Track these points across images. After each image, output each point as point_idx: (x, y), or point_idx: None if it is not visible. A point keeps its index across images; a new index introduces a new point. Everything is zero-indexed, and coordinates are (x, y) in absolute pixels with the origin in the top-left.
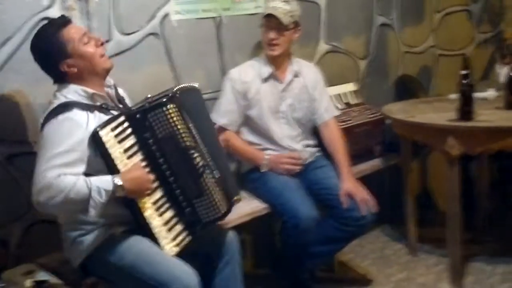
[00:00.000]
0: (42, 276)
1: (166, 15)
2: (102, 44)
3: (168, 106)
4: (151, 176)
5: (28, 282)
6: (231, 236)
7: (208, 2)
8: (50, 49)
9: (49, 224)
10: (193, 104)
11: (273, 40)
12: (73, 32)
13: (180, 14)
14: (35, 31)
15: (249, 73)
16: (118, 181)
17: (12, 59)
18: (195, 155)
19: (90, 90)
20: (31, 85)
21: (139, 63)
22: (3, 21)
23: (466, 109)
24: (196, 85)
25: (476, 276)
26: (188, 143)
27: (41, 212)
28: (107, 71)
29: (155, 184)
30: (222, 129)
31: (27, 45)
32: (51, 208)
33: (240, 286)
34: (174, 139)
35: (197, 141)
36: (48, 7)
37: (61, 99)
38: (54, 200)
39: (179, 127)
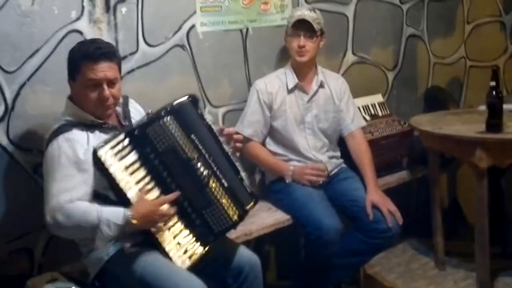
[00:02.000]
0: (65, 284)
1: (192, 27)
2: (106, 99)
3: (165, 119)
4: (166, 209)
5: None
6: (252, 261)
7: (235, 14)
8: (69, 61)
9: None
10: (192, 115)
11: (304, 46)
12: (92, 70)
13: (206, 26)
14: (63, 44)
15: (275, 84)
16: (130, 216)
17: (40, 71)
18: (198, 165)
19: (89, 117)
20: (58, 96)
21: (165, 75)
22: (32, 33)
23: (494, 121)
24: (186, 98)
25: None
26: (189, 154)
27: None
28: (101, 117)
29: (173, 216)
30: (247, 139)
31: (55, 57)
32: (61, 231)
33: None
34: (175, 151)
35: (200, 151)
36: (76, 19)
37: (62, 120)
38: (64, 224)
39: (178, 138)
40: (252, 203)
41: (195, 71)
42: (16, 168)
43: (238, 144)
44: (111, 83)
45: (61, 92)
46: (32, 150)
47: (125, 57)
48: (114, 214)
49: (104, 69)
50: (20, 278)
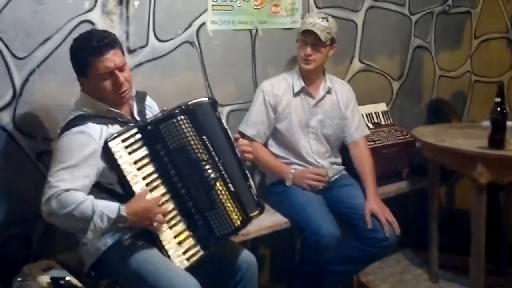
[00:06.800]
0: (60, 273)
1: (202, 25)
2: (121, 85)
3: (179, 118)
4: (163, 208)
5: (46, 278)
6: (249, 260)
7: (245, 14)
8: (76, 61)
9: None
10: (207, 118)
11: (310, 55)
12: (102, 62)
13: (217, 24)
14: (74, 33)
15: (281, 86)
16: (124, 212)
17: (50, 58)
18: (207, 167)
19: (105, 107)
20: (67, 85)
21: (172, 70)
22: (45, 21)
23: (497, 137)
24: (206, 99)
25: None
26: (199, 155)
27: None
28: (120, 104)
29: (170, 215)
30: (250, 140)
31: (66, 46)
32: (55, 220)
33: None
34: (185, 150)
35: (211, 153)
36: (89, 10)
37: (77, 111)
38: (58, 213)
39: (190, 138)
40: (257, 212)
41: (203, 68)
42: (19, 154)
43: (248, 155)
44: (121, 69)
45: (70, 81)
46: (37, 137)
47: (134, 50)
48: (108, 207)
49: (112, 58)
50: (16, 264)
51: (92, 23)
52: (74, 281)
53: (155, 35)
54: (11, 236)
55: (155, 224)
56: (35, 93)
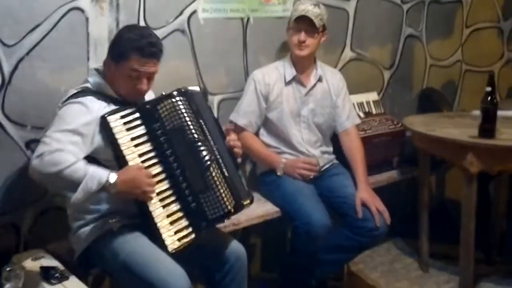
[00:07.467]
0: (50, 262)
1: (193, 13)
2: (140, 91)
3: (177, 98)
4: (151, 180)
5: (36, 267)
6: (238, 252)
7: (236, 2)
8: (118, 46)
9: (61, 211)
10: (202, 104)
11: (304, 41)
12: (138, 64)
13: (208, 12)
14: (63, 20)
15: (272, 75)
16: (113, 178)
17: (39, 46)
18: (203, 148)
19: (109, 91)
20: (56, 72)
21: (163, 59)
22: (34, 9)
23: (487, 127)
24: (198, 88)
25: None
26: (196, 136)
27: (32, 177)
28: (129, 100)
29: (160, 186)
30: (241, 129)
31: (55, 33)
32: (43, 177)
33: None
34: (182, 131)
35: (207, 137)
36: None
37: (84, 85)
38: (48, 169)
39: (187, 119)
40: (249, 201)
41: (194, 57)
42: (8, 142)
43: (238, 150)
44: (150, 77)
45: (59, 69)
46: (26, 125)
47: None
48: (100, 171)
49: (150, 66)
50: (5, 253)
51: (81, 10)
52: (64, 270)
53: (145, 23)
54: (1, 226)
55: (145, 190)
56: (24, 81)
